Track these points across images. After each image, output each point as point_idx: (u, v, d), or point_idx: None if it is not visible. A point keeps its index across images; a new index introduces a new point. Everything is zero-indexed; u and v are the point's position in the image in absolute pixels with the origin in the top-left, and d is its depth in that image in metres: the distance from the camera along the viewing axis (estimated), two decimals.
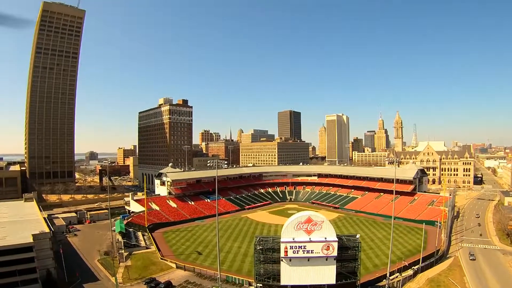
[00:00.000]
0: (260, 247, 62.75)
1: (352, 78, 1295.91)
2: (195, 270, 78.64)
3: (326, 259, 62.34)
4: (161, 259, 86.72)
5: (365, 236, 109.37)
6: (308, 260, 62.05)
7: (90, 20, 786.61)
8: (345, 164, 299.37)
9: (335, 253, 62.19)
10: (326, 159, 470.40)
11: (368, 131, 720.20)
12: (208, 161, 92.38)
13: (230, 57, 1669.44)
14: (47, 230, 77.58)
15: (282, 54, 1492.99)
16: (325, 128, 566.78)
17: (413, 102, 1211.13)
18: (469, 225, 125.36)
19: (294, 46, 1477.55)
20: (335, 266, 62.85)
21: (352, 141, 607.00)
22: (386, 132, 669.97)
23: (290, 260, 61.67)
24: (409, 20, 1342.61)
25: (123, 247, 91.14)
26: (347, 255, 65.35)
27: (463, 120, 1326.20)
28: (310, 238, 61.52)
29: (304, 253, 61.45)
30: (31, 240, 70.35)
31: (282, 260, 61.84)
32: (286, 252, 60.79)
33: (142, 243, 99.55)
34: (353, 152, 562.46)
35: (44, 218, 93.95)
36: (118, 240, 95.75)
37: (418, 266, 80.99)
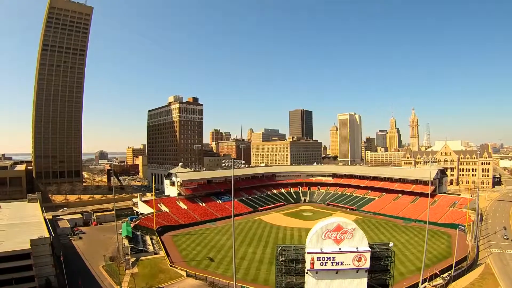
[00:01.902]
0: (283, 258, 55.12)
1: (363, 78, 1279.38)
2: (207, 279, 71.70)
3: (357, 272, 54.60)
4: (171, 266, 79.94)
5: (387, 241, 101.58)
6: (337, 273, 54.36)
7: (98, 18, 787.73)
8: (360, 164, 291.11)
9: (367, 265, 54.43)
10: (339, 159, 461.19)
11: (380, 131, 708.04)
12: (223, 161, 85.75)
13: (239, 56, 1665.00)
14: (47, 234, 71.25)
15: (292, 53, 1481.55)
16: (336, 127, 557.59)
17: (418, 101, 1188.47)
18: (495, 229, 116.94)
19: (305, 46, 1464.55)
20: (366, 279, 55.15)
21: (365, 140, 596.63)
22: (398, 131, 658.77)
23: (316, 273, 54.00)
24: (412, 20, 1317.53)
25: (129, 253, 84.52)
26: (379, 266, 57.54)
27: (472, 120, 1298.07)
28: (340, 249, 53.80)
29: (332, 265, 53.73)
30: (29, 246, 64.26)
31: (307, 273, 54.24)
32: (312, 264, 53.08)
33: (150, 248, 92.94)
34: (366, 151, 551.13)
35: (47, 220, 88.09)
36: (124, 244, 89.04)
37: (449, 273, 74.08)
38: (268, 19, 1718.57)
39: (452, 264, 76.86)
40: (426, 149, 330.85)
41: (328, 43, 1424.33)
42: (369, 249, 55.32)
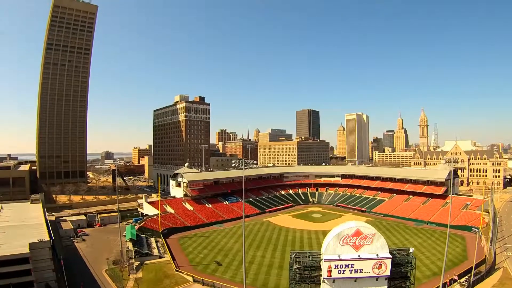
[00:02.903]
0: (297, 266, 51.09)
1: (369, 77, 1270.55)
2: (215, 285, 67.83)
3: (377, 280, 50.71)
4: (176, 271, 76.17)
5: (400, 244, 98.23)
6: (355, 281, 50.43)
7: (103, 17, 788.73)
8: (370, 164, 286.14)
9: (387, 272, 50.47)
10: (346, 159, 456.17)
11: (387, 131, 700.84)
12: (233, 161, 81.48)
13: (244, 56, 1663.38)
14: (47, 237, 67.91)
15: (299, 53, 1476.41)
16: (343, 127, 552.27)
17: (424, 101, 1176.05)
18: (510, 231, 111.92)
19: (311, 46, 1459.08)
20: (386, 287, 51.19)
21: (372, 140, 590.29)
22: (405, 131, 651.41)
23: (333, 282, 50.04)
24: (416, 21, 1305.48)
25: (133, 256, 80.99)
26: (399, 273, 53.53)
27: (477, 120, 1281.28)
28: (359, 255, 49.79)
29: (351, 273, 49.74)
30: (27, 250, 61.02)
31: (323, 281, 50.28)
32: (329, 272, 49.08)
33: (155, 251, 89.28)
34: (374, 152, 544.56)
35: (48, 222, 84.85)
36: (128, 248, 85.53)
37: (467, 277, 70.35)
38: (276, 19, 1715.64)
39: (469, 269, 73.45)
40: (434, 149, 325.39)
41: (334, 43, 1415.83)
42: (389, 255, 51.36)
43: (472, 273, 71.65)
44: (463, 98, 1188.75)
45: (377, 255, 50.37)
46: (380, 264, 50.04)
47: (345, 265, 49.11)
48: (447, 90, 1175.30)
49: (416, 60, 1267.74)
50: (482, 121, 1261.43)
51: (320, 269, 50.57)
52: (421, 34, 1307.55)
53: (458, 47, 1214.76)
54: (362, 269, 49.72)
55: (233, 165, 79.58)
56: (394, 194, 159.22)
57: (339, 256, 49.11)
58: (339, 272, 49.08)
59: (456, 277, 70.55)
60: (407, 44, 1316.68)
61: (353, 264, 49.33)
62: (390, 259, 50.97)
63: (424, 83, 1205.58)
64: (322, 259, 50.01)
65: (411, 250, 57.96)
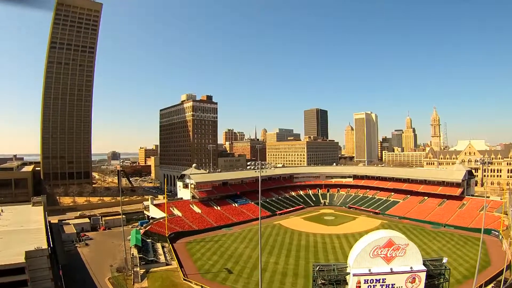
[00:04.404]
0: (322, 281, 45.42)
1: (376, 77, 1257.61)
2: None
3: None
4: (184, 279, 70.83)
5: (419, 250, 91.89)
6: None
7: (108, 15, 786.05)
8: (382, 165, 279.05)
9: (421, 286, 44.87)
10: (355, 159, 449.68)
11: (395, 130, 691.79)
12: (249, 163, 76.47)
13: (250, 56, 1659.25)
14: (45, 245, 62.85)
15: (306, 53, 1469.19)
16: (351, 127, 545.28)
17: (433, 101, 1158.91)
18: None
19: (317, 46, 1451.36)
20: None
21: (381, 140, 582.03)
22: (414, 131, 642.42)
23: None
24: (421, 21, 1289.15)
25: (138, 264, 75.82)
26: (431, 287, 48.03)
27: (484, 119, 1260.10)
28: (391, 269, 44.27)
29: (382, 287, 44.07)
30: (23, 260, 56.05)
31: None
32: (358, 287, 43.46)
33: (162, 258, 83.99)
34: (383, 152, 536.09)
35: (48, 227, 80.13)
36: (133, 254, 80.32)
37: (493, 286, 64.10)
38: (283, 18, 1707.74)
39: (494, 276, 67.79)
40: (443, 148, 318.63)
41: (341, 43, 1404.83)
42: (424, 268, 45.89)
43: (502, 280, 65.39)
44: (472, 98, 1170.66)
45: (411, 268, 45.01)
46: (414, 278, 44.70)
47: (376, 279, 43.60)
48: (453, 90, 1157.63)
49: (424, 60, 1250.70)
50: (487, 121, 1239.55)
51: (347, 283, 45.13)
52: (430, 34, 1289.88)
53: (460, 49, 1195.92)
54: (394, 284, 44.35)
55: (248, 167, 74.10)
56: (408, 196, 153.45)
57: (369, 270, 43.54)
58: (369, 287, 43.55)
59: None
60: (416, 44, 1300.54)
61: (385, 279, 43.86)
62: (425, 272, 45.46)
63: (431, 82, 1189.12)
64: (349, 273, 44.47)
65: (444, 260, 52.52)
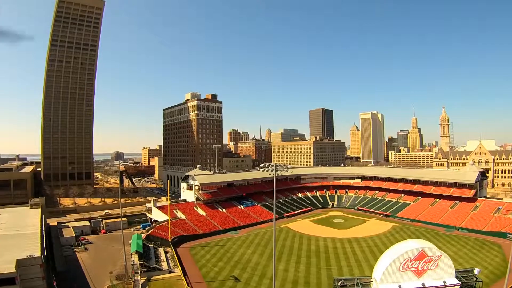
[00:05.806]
0: None
1: (381, 77, 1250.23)
2: None
3: None
4: None
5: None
6: None
7: (111, 13, 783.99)
8: (391, 166, 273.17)
9: None
10: (361, 159, 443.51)
11: (401, 130, 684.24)
12: (262, 165, 71.66)
13: (255, 56, 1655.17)
14: (38, 252, 58.14)
15: (310, 53, 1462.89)
16: (356, 127, 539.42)
17: (440, 101, 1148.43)
18: None
19: (322, 46, 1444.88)
20: None
21: (387, 140, 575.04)
22: (420, 131, 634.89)
23: None
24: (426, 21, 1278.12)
25: (139, 271, 70.89)
26: None
27: (489, 119, 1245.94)
28: (423, 283, 39.06)
29: None
30: (13, 270, 51.30)
31: None
32: None
33: (164, 265, 78.97)
34: (389, 152, 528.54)
35: (43, 232, 75.67)
36: (133, 261, 75.32)
37: None
38: (287, 18, 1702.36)
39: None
40: (450, 149, 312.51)
41: (345, 43, 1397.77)
42: (458, 282, 40.54)
43: None
44: (479, 98, 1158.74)
45: (444, 282, 39.83)
46: None
47: None
48: (457, 90, 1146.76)
49: (429, 60, 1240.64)
50: (493, 121, 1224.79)
51: None
52: (435, 34, 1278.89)
53: (465, 48, 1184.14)
54: None
55: (261, 170, 69.35)
56: (419, 197, 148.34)
57: (399, 286, 38.32)
58: None
59: None
60: (422, 43, 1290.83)
61: None
62: (459, 286, 40.10)
63: (435, 82, 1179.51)
64: None
65: (476, 272, 47.24)
